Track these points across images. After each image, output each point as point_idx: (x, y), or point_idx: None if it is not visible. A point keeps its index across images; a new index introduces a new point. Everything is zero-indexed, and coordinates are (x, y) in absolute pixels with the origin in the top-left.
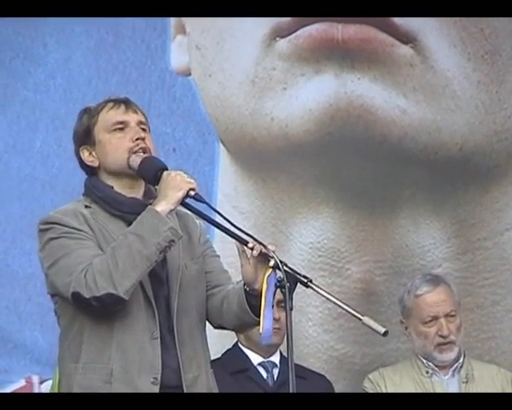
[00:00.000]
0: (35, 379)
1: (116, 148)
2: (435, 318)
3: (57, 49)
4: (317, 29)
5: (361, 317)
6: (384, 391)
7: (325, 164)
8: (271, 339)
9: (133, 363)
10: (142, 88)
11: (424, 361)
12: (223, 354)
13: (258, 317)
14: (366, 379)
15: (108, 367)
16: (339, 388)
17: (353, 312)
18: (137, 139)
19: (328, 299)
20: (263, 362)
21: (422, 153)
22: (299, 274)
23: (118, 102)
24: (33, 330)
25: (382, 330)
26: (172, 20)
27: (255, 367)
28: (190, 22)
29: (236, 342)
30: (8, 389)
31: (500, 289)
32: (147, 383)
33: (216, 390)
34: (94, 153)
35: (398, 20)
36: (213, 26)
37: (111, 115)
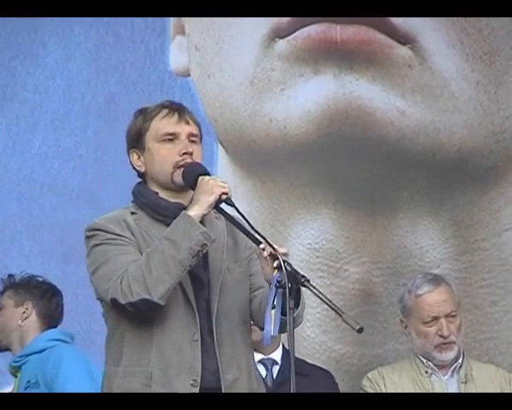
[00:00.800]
0: None
1: (163, 159)
2: (436, 318)
3: (56, 49)
4: (315, 30)
5: (341, 313)
6: (383, 390)
7: (324, 165)
8: (271, 341)
9: (172, 365)
10: (141, 89)
11: (424, 361)
12: None
13: (285, 316)
14: (365, 378)
15: (148, 370)
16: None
17: (336, 309)
18: (184, 154)
19: (321, 299)
20: (263, 359)
21: (421, 154)
22: (297, 273)
23: (172, 109)
24: None
25: (357, 326)
26: (172, 21)
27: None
28: (190, 23)
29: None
30: (5, 391)
31: (498, 290)
32: (186, 385)
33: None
34: (142, 158)
35: (396, 21)
36: (212, 26)
37: (163, 125)
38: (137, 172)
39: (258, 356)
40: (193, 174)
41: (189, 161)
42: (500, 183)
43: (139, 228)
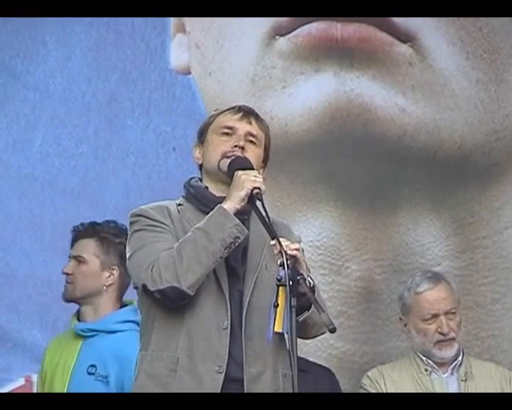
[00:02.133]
0: (34, 378)
1: (215, 148)
2: (435, 315)
3: (57, 48)
4: (316, 28)
5: (320, 311)
6: (383, 389)
7: (325, 163)
8: (271, 340)
9: (199, 351)
10: (142, 87)
11: (424, 359)
12: None
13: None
14: (365, 377)
15: (175, 356)
16: None
17: (317, 306)
18: (236, 147)
19: (309, 298)
20: None
21: (421, 151)
22: (296, 271)
23: (240, 109)
24: (32, 328)
25: (330, 326)
26: (172, 19)
27: None
28: (190, 21)
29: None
30: (8, 388)
31: (499, 288)
32: (211, 371)
33: (288, 390)
34: (201, 151)
35: (396, 20)
36: (213, 24)
37: (224, 119)
38: (198, 166)
39: None
40: (235, 167)
41: (239, 154)
42: (501, 180)
43: (181, 217)
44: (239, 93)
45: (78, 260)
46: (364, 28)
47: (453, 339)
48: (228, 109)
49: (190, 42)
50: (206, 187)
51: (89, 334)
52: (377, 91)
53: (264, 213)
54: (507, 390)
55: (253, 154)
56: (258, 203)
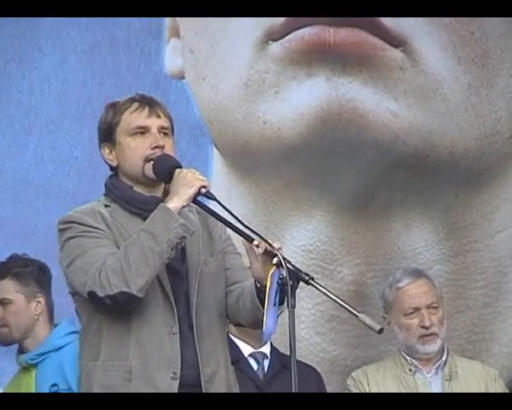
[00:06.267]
0: None
1: (134, 153)
2: (417, 309)
3: (52, 52)
4: (309, 32)
5: (357, 314)
6: (366, 389)
7: (317, 167)
8: (270, 337)
9: (152, 359)
10: (137, 91)
11: (408, 359)
12: None
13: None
14: (349, 377)
15: (127, 365)
16: (331, 389)
17: (350, 309)
18: (155, 147)
19: (329, 297)
20: (253, 353)
21: (413, 156)
22: (300, 271)
23: (143, 103)
24: None
25: (377, 327)
26: (167, 24)
27: (246, 359)
28: (184, 25)
29: (227, 333)
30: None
31: (491, 292)
32: (166, 379)
33: (236, 386)
34: (114, 152)
35: (388, 24)
36: (207, 29)
37: (133, 119)
38: (109, 166)
39: (248, 350)
40: (166, 167)
41: (160, 154)
42: (492, 185)
43: (114, 221)
44: (232, 98)
45: (4, 302)
46: (357, 33)
47: (436, 335)
48: (129, 106)
49: (184, 47)
50: (131, 186)
51: (39, 359)
52: (369, 96)
53: (231, 213)
54: (492, 389)
55: (170, 146)
56: (215, 203)
